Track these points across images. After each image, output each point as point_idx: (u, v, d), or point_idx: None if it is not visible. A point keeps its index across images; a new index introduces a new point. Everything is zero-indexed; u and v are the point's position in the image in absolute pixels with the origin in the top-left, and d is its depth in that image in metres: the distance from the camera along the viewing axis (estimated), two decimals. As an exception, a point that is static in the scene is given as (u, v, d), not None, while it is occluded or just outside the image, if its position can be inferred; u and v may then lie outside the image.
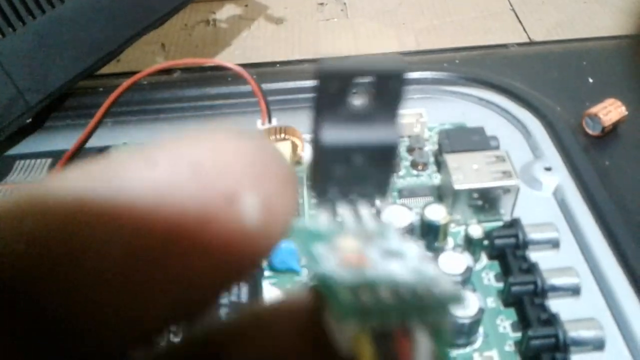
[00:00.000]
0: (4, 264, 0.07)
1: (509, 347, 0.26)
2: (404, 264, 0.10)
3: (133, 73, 0.46)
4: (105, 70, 0.46)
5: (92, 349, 0.08)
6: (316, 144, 0.10)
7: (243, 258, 0.08)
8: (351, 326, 0.09)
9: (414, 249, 0.10)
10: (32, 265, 0.07)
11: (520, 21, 0.65)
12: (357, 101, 0.10)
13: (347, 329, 0.09)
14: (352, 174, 0.10)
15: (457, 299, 0.09)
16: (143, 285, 0.08)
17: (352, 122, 0.10)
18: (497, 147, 0.34)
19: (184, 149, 0.08)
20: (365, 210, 0.11)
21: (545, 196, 0.34)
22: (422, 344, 0.09)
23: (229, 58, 0.60)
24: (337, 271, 0.09)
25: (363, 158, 0.10)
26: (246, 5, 0.69)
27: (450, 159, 0.30)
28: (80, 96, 0.44)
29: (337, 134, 0.10)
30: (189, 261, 0.08)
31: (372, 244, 0.10)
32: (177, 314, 0.08)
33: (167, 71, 0.48)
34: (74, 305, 0.07)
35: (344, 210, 0.11)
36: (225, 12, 0.67)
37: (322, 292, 0.09)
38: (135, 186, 0.08)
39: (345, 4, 0.70)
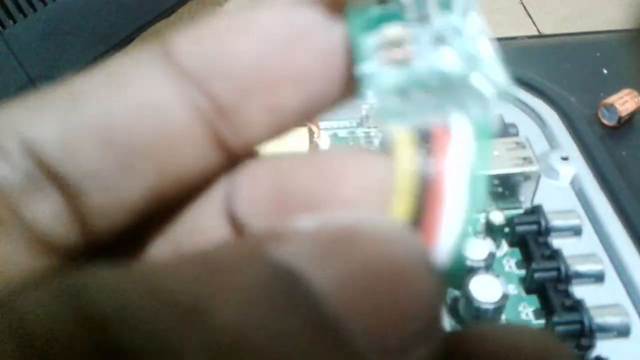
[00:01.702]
0: None
1: (532, 334, 0.26)
2: (458, 45, 0.09)
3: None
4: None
5: None
6: None
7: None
8: (391, 126, 0.09)
9: (476, 23, 0.09)
10: None
11: (529, 14, 0.65)
12: None
13: (388, 128, 0.09)
14: None
15: (506, 94, 0.09)
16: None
17: None
18: (516, 134, 0.33)
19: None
20: None
21: (562, 185, 0.34)
22: (463, 132, 0.09)
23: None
24: (380, 70, 0.09)
25: None
26: (254, -2, 0.69)
27: (470, 146, 0.30)
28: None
29: None
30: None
31: (426, 27, 0.09)
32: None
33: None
34: None
35: None
36: (234, 3, 0.67)
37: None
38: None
39: None
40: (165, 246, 0.11)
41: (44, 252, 0.09)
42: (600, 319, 0.25)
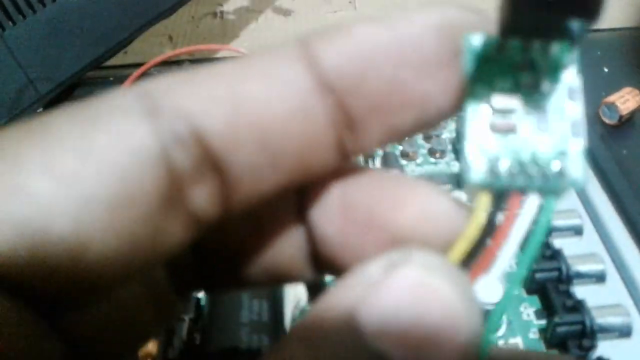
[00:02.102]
0: None
1: (533, 334, 0.26)
2: (555, 133, 0.11)
3: (140, 64, 0.45)
4: (113, 61, 0.46)
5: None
6: None
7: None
8: (479, 184, 0.11)
9: (577, 110, 0.11)
10: None
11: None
12: None
13: (472, 185, 0.11)
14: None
15: (580, 187, 0.11)
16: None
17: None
18: (516, 134, 0.33)
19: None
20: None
21: (564, 185, 0.34)
22: (530, 210, 0.11)
23: (234, 47, 0.59)
24: (480, 134, 0.11)
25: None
26: (254, -3, 0.69)
27: (471, 146, 0.30)
28: (88, 86, 0.43)
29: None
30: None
31: (534, 105, 0.11)
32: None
33: (177, 62, 0.48)
34: None
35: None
36: (233, 4, 0.67)
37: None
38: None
39: (353, -5, 0.70)
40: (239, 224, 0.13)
41: (192, 225, 0.11)
42: (602, 319, 0.25)
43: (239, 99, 0.10)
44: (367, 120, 0.11)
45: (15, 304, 0.09)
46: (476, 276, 0.11)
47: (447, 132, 0.35)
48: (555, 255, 0.27)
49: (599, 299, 0.26)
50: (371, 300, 0.09)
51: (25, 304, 0.09)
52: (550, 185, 0.11)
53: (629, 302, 0.27)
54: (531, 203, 0.11)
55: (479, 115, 0.11)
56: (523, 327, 0.26)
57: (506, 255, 0.11)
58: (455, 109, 0.11)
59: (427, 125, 0.12)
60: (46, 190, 0.09)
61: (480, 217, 0.11)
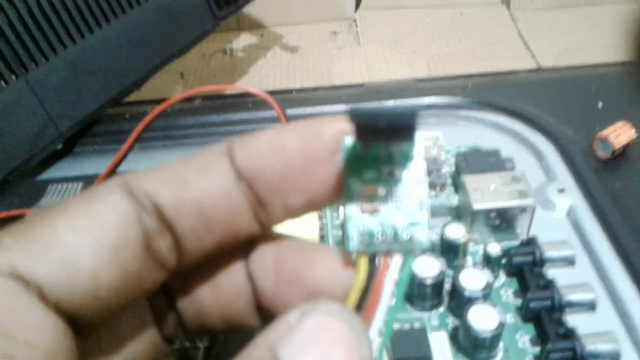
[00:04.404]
0: None
1: (529, 360, 0.27)
2: (405, 212, 0.15)
3: (154, 101, 0.47)
4: (128, 98, 0.48)
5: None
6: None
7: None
8: (359, 250, 0.15)
9: (423, 193, 0.15)
10: None
11: (529, 48, 0.67)
12: None
13: (355, 253, 0.16)
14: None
15: (425, 248, 0.15)
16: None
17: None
18: (512, 168, 0.35)
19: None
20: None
21: (559, 217, 0.35)
22: (395, 265, 0.15)
23: (246, 85, 0.61)
24: (356, 214, 0.15)
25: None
26: (262, 35, 0.71)
27: (469, 180, 0.31)
28: (107, 123, 0.45)
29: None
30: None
31: (392, 190, 0.15)
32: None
33: (188, 99, 0.50)
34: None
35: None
36: (242, 42, 0.69)
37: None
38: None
39: (357, 32, 0.72)
40: (202, 284, 0.18)
41: (161, 267, 0.16)
42: (592, 346, 0.26)
43: (181, 183, 0.15)
44: (270, 200, 0.16)
45: (57, 318, 0.14)
46: (369, 313, 0.15)
47: (447, 167, 0.37)
48: (548, 285, 0.28)
49: (591, 326, 0.27)
50: (287, 339, 0.13)
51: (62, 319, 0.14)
52: (404, 248, 0.15)
53: (619, 329, 0.28)
54: (395, 261, 0.15)
55: (354, 200, 0.15)
56: (519, 354, 0.27)
57: (386, 297, 0.15)
58: (336, 195, 0.16)
59: (317, 206, 0.16)
60: (72, 241, 0.14)
61: (362, 274, 0.15)
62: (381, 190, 0.15)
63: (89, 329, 0.15)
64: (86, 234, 0.14)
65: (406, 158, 0.15)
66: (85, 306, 0.14)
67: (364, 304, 0.15)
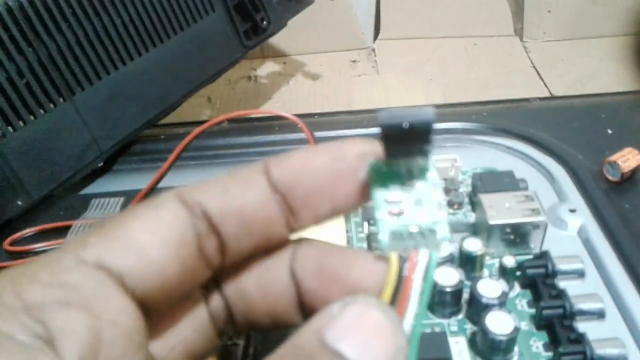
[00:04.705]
0: None
1: (542, 364, 0.29)
2: (427, 212, 0.17)
3: (186, 123, 0.50)
4: (162, 120, 0.51)
5: None
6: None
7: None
8: (389, 248, 0.17)
9: (440, 197, 0.18)
10: None
11: (541, 77, 0.70)
12: None
13: (386, 249, 0.17)
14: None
15: (447, 240, 0.17)
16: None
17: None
18: (525, 188, 0.37)
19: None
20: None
21: (570, 235, 0.37)
22: (423, 259, 0.17)
23: (270, 110, 0.64)
24: (385, 217, 0.17)
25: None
26: (284, 63, 0.74)
27: (485, 198, 0.34)
28: (143, 143, 0.48)
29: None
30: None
31: (412, 193, 0.18)
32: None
33: (218, 123, 0.53)
34: None
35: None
36: (266, 69, 0.72)
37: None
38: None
39: (376, 61, 0.75)
40: (252, 284, 0.20)
41: (208, 265, 0.18)
42: (601, 350, 0.28)
43: (226, 194, 0.18)
44: (301, 210, 0.19)
45: (134, 303, 0.17)
46: (402, 307, 0.16)
47: (464, 187, 0.39)
48: (559, 294, 0.30)
49: (599, 333, 0.30)
50: (331, 324, 0.15)
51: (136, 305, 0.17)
52: (430, 243, 0.17)
53: (627, 336, 0.30)
54: (422, 255, 0.17)
55: (382, 207, 0.17)
56: (533, 357, 0.29)
57: (416, 290, 0.17)
58: (357, 204, 0.18)
59: (340, 214, 0.19)
60: (144, 240, 0.17)
61: (394, 269, 0.17)
62: (404, 197, 0.18)
63: (154, 315, 0.18)
64: (154, 234, 0.17)
65: (424, 172, 0.18)
66: (154, 294, 0.17)
67: (396, 299, 0.17)
